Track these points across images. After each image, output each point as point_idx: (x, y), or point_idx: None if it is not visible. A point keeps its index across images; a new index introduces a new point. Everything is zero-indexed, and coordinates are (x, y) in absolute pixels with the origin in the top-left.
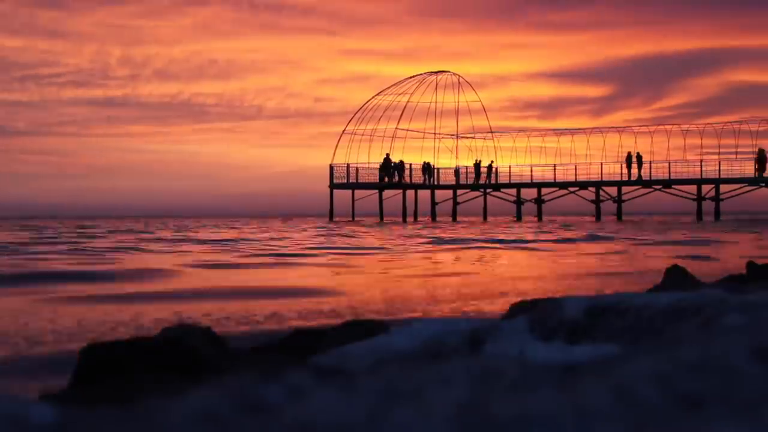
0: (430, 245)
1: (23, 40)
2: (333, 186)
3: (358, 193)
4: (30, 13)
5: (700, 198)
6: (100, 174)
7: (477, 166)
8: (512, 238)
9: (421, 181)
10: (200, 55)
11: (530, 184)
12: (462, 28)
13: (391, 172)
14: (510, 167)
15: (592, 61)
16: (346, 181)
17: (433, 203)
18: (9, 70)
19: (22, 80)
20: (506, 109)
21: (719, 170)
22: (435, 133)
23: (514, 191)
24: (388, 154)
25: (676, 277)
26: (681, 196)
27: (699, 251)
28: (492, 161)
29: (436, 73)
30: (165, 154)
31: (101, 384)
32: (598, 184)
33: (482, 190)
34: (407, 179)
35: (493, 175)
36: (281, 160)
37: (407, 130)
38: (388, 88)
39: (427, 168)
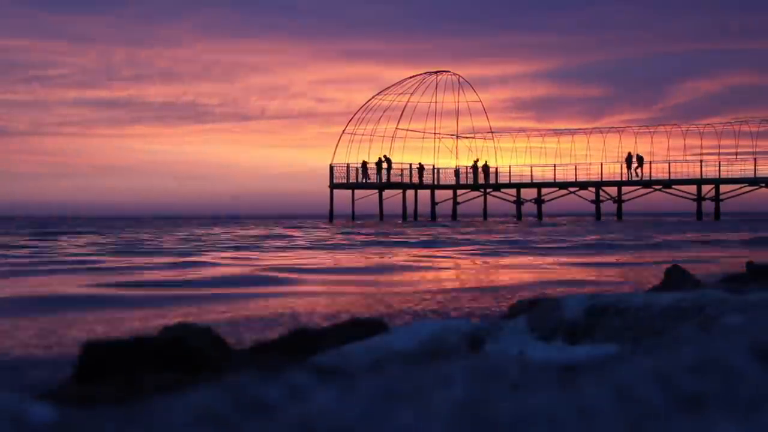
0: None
1: (28, 41)
2: (333, 186)
3: (358, 193)
4: (34, 14)
5: (700, 198)
6: (102, 174)
7: (476, 166)
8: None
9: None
10: (204, 56)
11: (530, 184)
12: (462, 29)
13: (379, 170)
14: (510, 167)
15: (592, 62)
16: (346, 180)
17: (433, 203)
18: (13, 71)
19: (26, 81)
20: (506, 109)
21: (719, 170)
22: (435, 133)
23: (514, 191)
24: (385, 155)
25: (676, 277)
26: (681, 196)
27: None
28: (485, 160)
29: (436, 73)
30: (168, 154)
31: (101, 383)
32: (598, 184)
33: (482, 190)
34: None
35: (491, 175)
36: (283, 160)
37: (407, 129)
38: (388, 88)
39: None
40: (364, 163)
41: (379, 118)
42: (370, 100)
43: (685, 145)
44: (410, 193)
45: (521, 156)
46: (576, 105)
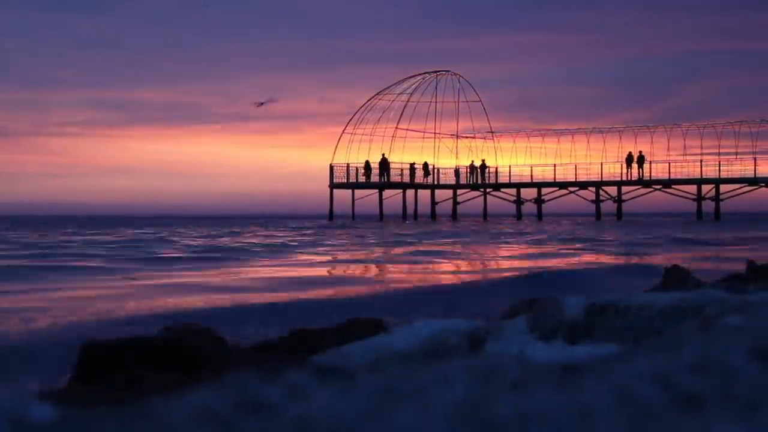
0: None
1: (30, 42)
2: (333, 186)
3: (358, 192)
4: (37, 15)
5: (700, 198)
6: (104, 175)
7: (473, 166)
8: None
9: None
10: (205, 57)
11: (530, 184)
12: (462, 29)
13: (384, 172)
14: (510, 167)
15: (593, 62)
16: (346, 180)
17: (433, 203)
18: (15, 71)
19: (28, 81)
20: (506, 109)
21: (719, 170)
22: (435, 133)
23: (514, 191)
24: (384, 155)
25: (676, 277)
26: (681, 196)
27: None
28: (482, 159)
29: (436, 73)
30: (169, 155)
31: (101, 383)
32: (598, 184)
33: (482, 190)
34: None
35: (491, 175)
36: (284, 160)
37: (407, 129)
38: (388, 87)
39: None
40: (368, 163)
41: (379, 118)
42: (370, 100)
43: (685, 145)
44: (410, 193)
45: (521, 156)
46: (576, 105)
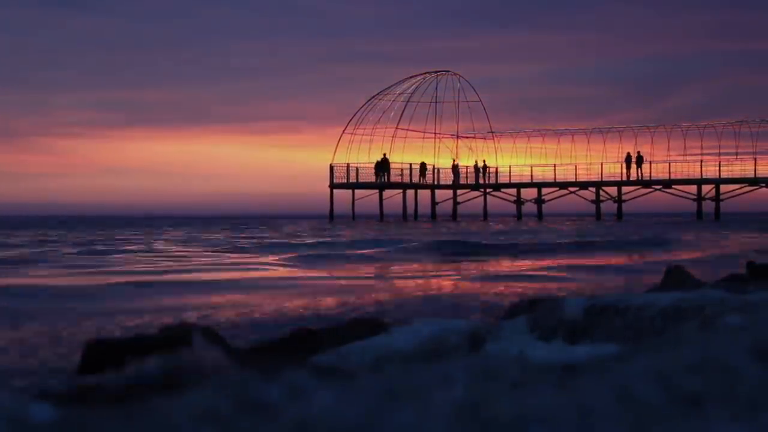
0: None
1: (30, 41)
2: (333, 186)
3: (358, 193)
4: (36, 13)
5: (700, 198)
6: (104, 176)
7: (476, 167)
8: None
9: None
10: (205, 57)
11: (530, 184)
12: (462, 29)
13: (384, 171)
14: (510, 167)
15: (592, 62)
16: (346, 180)
17: (433, 203)
18: (15, 71)
19: (29, 81)
20: (506, 109)
21: (719, 170)
22: (435, 133)
23: (514, 191)
24: (385, 154)
25: (676, 277)
26: (681, 197)
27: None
28: (483, 159)
29: (436, 73)
30: (169, 155)
31: (102, 382)
32: (598, 184)
33: (482, 190)
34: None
35: (491, 175)
36: (284, 160)
37: (407, 129)
38: (388, 88)
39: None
40: (377, 164)
41: (379, 118)
42: (370, 100)
43: (685, 145)
44: (410, 192)
45: (521, 156)
46: (576, 105)
